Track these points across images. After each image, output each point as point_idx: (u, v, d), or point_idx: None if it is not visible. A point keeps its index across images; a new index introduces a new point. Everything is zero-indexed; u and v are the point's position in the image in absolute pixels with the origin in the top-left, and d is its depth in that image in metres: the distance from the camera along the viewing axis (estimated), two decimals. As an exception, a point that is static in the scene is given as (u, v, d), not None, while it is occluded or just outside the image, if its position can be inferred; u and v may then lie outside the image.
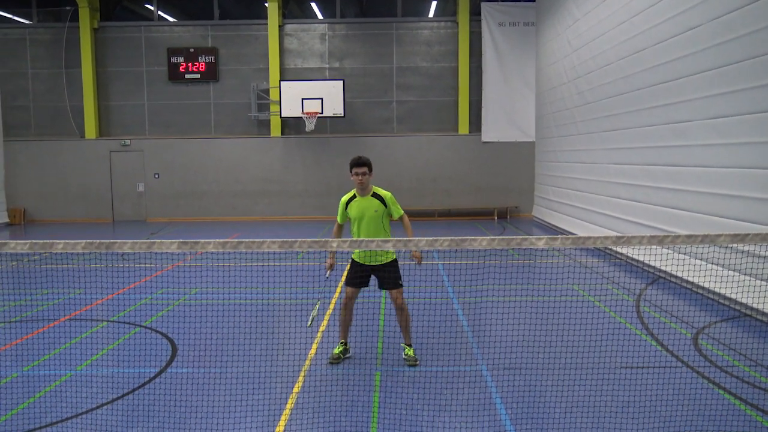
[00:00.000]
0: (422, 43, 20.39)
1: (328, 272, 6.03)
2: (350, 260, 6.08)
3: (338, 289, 9.19)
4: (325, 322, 7.42)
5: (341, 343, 6.06)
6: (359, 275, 5.94)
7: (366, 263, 5.91)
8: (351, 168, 5.82)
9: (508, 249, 12.40)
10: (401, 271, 6.01)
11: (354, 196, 5.93)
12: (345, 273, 6.25)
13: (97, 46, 20.32)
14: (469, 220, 19.88)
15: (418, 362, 5.90)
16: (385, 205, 5.92)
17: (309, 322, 6.40)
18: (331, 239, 3.84)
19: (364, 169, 5.82)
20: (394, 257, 5.98)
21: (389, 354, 6.20)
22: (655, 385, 5.25)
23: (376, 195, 5.94)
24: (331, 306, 8.23)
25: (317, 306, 6.59)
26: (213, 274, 10.37)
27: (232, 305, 8.36)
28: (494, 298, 8.55)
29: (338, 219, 6.09)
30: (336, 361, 5.91)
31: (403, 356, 5.98)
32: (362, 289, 6.06)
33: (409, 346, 6.00)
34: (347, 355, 6.08)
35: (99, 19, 20.25)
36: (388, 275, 5.91)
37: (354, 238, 5.54)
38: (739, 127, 7.95)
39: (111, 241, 3.34)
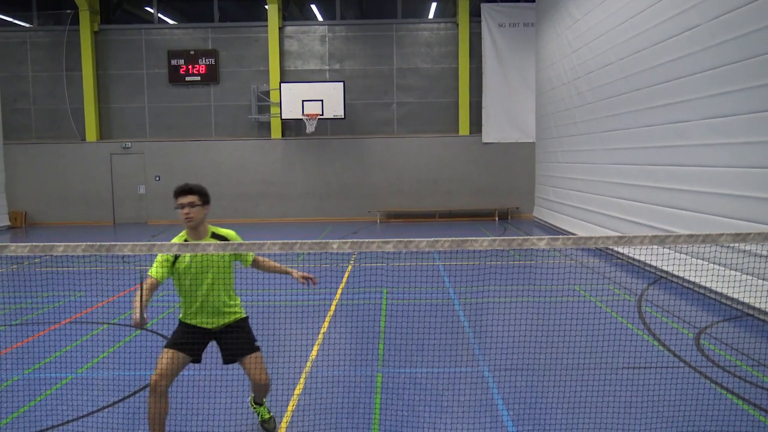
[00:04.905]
0: (422, 45, 20.40)
1: (140, 317, 3.85)
2: (179, 322, 4.29)
3: (338, 293, 9.18)
4: (326, 324, 7.41)
5: None
6: (193, 339, 4.14)
7: (203, 325, 4.18)
8: (175, 198, 4.11)
9: (509, 250, 12.41)
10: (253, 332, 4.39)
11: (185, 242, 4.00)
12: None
13: (98, 49, 20.34)
14: (469, 221, 19.87)
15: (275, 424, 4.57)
16: None
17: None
18: (331, 240, 3.33)
19: (192, 198, 4.07)
20: (243, 315, 4.33)
21: (391, 355, 6.19)
22: (657, 385, 5.24)
23: (217, 236, 4.25)
24: (332, 309, 8.22)
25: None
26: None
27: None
28: (495, 299, 8.54)
29: (154, 273, 4.09)
30: None
31: (259, 421, 4.55)
32: (187, 364, 4.17)
33: (261, 405, 4.55)
34: None
35: (99, 22, 20.29)
36: (237, 338, 4.21)
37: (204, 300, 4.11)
38: (739, 127, 7.94)
39: (111, 244, 3.33)
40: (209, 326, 4.21)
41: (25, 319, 7.90)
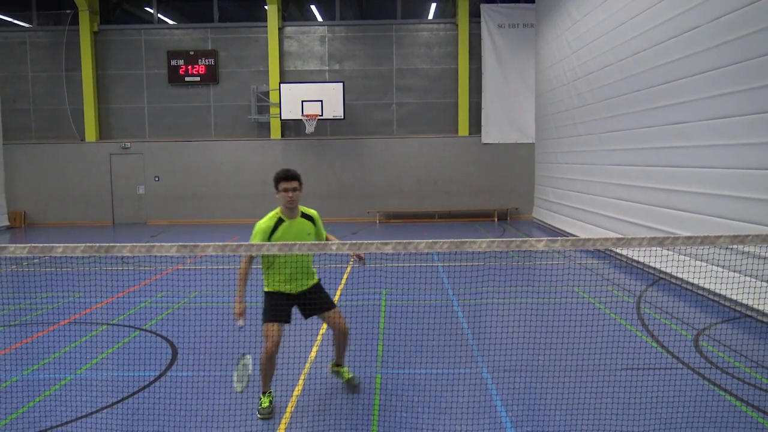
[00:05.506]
0: (422, 45, 20.40)
1: (241, 321, 4.79)
2: (264, 293, 4.97)
3: (338, 294, 9.19)
4: (324, 325, 7.38)
5: (267, 393, 4.86)
6: (284, 307, 4.87)
7: (291, 291, 4.92)
8: (277, 183, 4.74)
9: (508, 251, 12.40)
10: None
11: (280, 220, 4.80)
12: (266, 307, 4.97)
13: (97, 50, 20.34)
14: (469, 221, 19.87)
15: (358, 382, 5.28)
16: (315, 226, 5.01)
17: (240, 387, 4.66)
18: (330, 242, 3.61)
19: (295, 184, 4.73)
20: (318, 279, 5.15)
21: (390, 356, 6.19)
22: (656, 386, 5.24)
23: (305, 215, 4.94)
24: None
25: (245, 363, 4.81)
26: (213, 277, 10.36)
27: (231, 308, 8.34)
28: (494, 300, 8.54)
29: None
30: (269, 415, 4.73)
31: (343, 381, 5.27)
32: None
33: (342, 366, 5.32)
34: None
35: (99, 22, 20.29)
36: (318, 297, 4.98)
37: (278, 273, 4.76)
38: (739, 128, 7.94)
39: (110, 245, 3.33)
40: (295, 291, 4.91)
41: (24, 320, 7.89)
